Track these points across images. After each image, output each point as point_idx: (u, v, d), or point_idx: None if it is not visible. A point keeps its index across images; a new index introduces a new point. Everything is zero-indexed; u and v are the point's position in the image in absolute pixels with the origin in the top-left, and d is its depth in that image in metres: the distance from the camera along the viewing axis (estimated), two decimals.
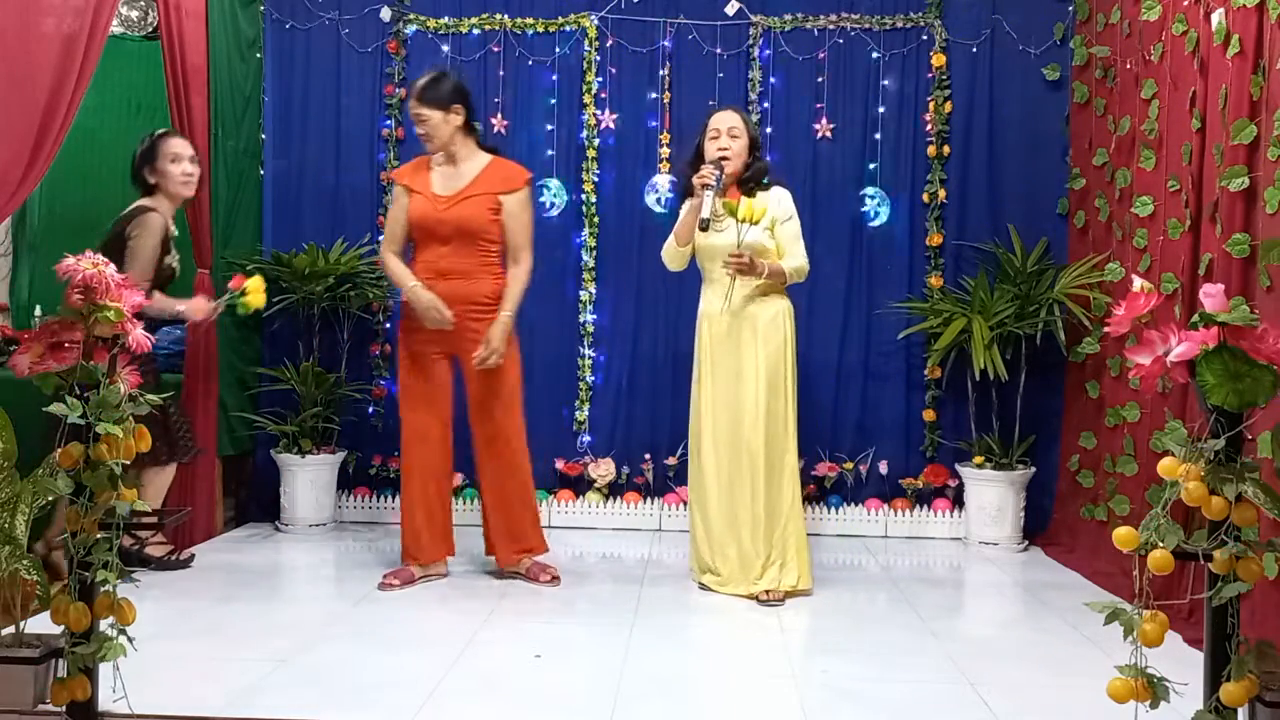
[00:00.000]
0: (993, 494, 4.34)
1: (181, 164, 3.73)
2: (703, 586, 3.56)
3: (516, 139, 4.75)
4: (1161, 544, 1.83)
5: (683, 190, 3.75)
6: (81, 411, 2.06)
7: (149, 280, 3.63)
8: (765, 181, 3.63)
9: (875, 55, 4.67)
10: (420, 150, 3.67)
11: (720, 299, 3.56)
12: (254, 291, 3.65)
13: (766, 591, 3.40)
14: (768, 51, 4.69)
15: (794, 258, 3.58)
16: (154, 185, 3.76)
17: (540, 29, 4.75)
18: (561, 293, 4.76)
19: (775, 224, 3.55)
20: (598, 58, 4.73)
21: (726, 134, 3.58)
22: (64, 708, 2.11)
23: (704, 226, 3.47)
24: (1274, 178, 2.80)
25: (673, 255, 3.69)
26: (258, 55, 4.68)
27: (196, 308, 3.81)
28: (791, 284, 3.64)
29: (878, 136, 4.67)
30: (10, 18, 2.80)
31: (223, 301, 3.76)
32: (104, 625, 2.15)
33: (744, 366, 3.53)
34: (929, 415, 4.63)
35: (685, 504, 4.57)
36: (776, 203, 3.58)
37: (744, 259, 3.43)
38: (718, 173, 3.47)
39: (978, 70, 4.65)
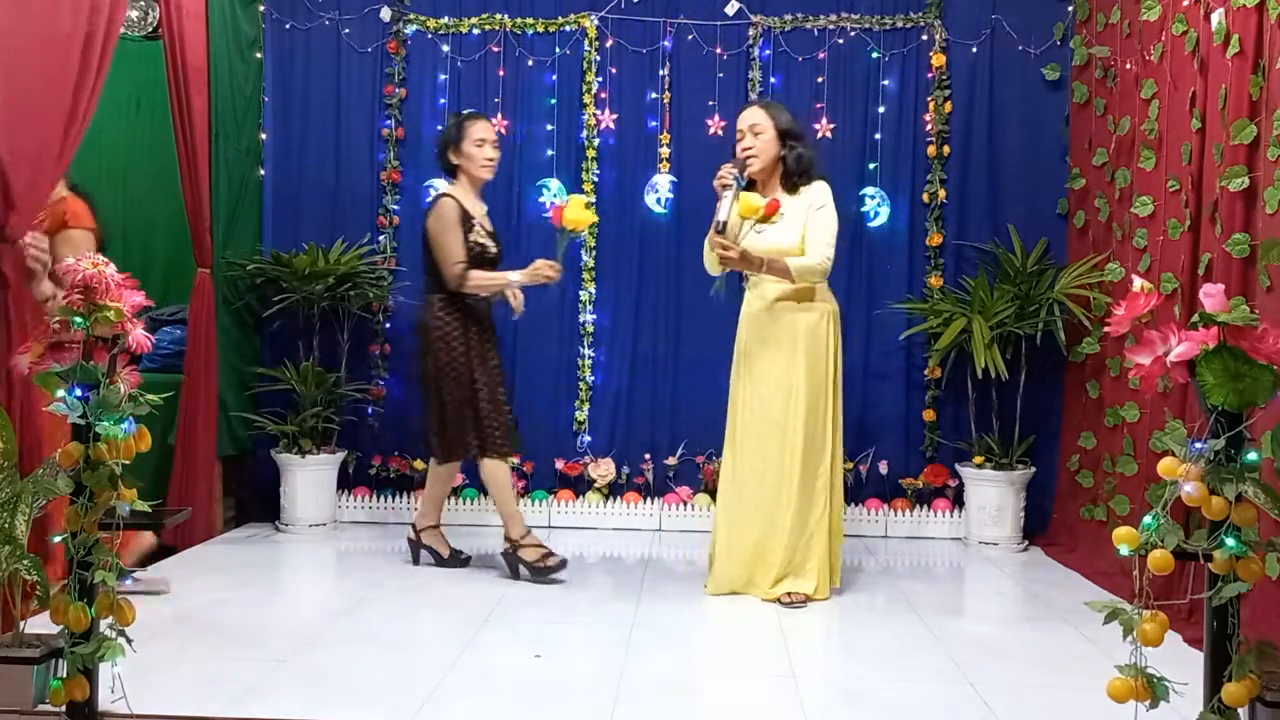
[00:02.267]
0: (993, 494, 4.34)
1: (485, 148, 3.74)
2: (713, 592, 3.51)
3: (516, 139, 4.76)
4: (1161, 544, 1.83)
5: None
6: (81, 411, 2.06)
7: (462, 263, 3.65)
8: (811, 175, 3.46)
9: (875, 55, 4.67)
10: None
11: (758, 300, 3.49)
12: (578, 219, 3.54)
13: (788, 594, 3.37)
14: (768, 51, 4.69)
15: (808, 256, 3.38)
16: (456, 168, 3.77)
17: (540, 29, 4.75)
18: (561, 293, 4.76)
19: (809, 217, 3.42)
20: (598, 58, 4.72)
21: (749, 132, 3.45)
22: (63, 708, 2.11)
23: (720, 230, 3.36)
24: (1274, 178, 2.80)
25: (709, 260, 3.54)
26: (258, 55, 4.68)
27: (536, 273, 3.67)
28: (808, 282, 3.46)
29: (878, 136, 4.67)
30: (31, 19, 2.84)
31: (562, 246, 3.63)
32: (103, 625, 2.15)
33: (783, 373, 3.42)
34: (929, 415, 4.63)
35: (685, 504, 4.61)
36: (813, 194, 3.44)
37: (730, 250, 3.31)
38: (735, 172, 3.38)
39: (978, 70, 4.65)
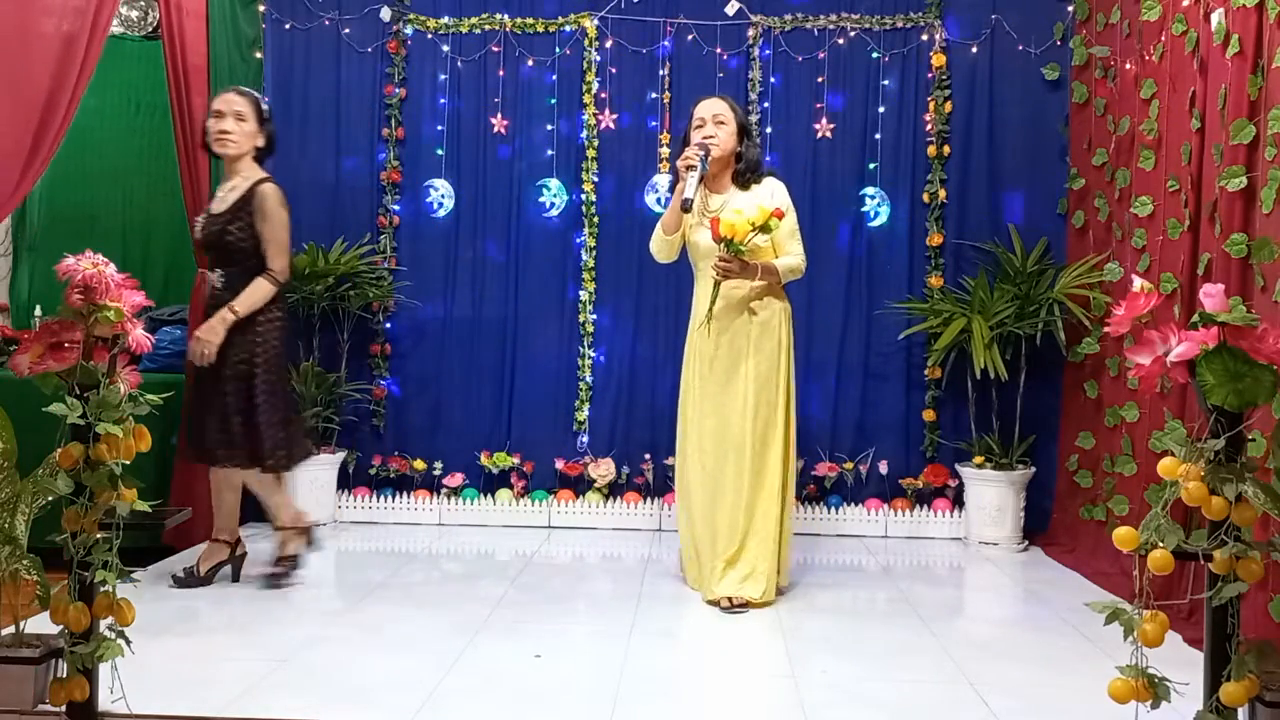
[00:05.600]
0: (993, 494, 4.34)
1: (211, 121, 3.50)
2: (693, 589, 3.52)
3: (516, 139, 4.76)
4: (1161, 544, 1.83)
5: (672, 183, 3.65)
6: (81, 411, 2.05)
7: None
8: (760, 173, 3.52)
9: (875, 55, 4.67)
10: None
11: (706, 296, 3.43)
12: (732, 224, 3.23)
13: (729, 598, 3.31)
14: (768, 51, 4.69)
15: (790, 255, 3.46)
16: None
17: (540, 29, 4.75)
18: (561, 293, 4.76)
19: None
20: (598, 58, 4.73)
21: (711, 121, 3.45)
22: (63, 708, 2.11)
23: (687, 208, 3.33)
24: (1267, 177, 2.80)
25: (660, 245, 3.56)
26: (258, 55, 4.68)
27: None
28: (787, 282, 3.54)
29: (878, 136, 4.67)
30: (9, 17, 2.81)
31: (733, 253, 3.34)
32: (103, 625, 2.15)
33: (736, 370, 3.41)
34: (929, 415, 4.63)
35: None
36: (770, 196, 3.44)
37: (732, 263, 3.31)
38: (702, 154, 3.36)
39: (978, 70, 4.65)
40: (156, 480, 4.00)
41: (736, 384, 3.42)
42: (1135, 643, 1.86)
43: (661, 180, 4.68)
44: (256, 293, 3.39)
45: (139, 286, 2.18)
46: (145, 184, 4.86)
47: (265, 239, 3.42)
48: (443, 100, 4.76)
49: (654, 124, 4.72)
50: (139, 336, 2.16)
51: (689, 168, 3.35)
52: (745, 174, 3.50)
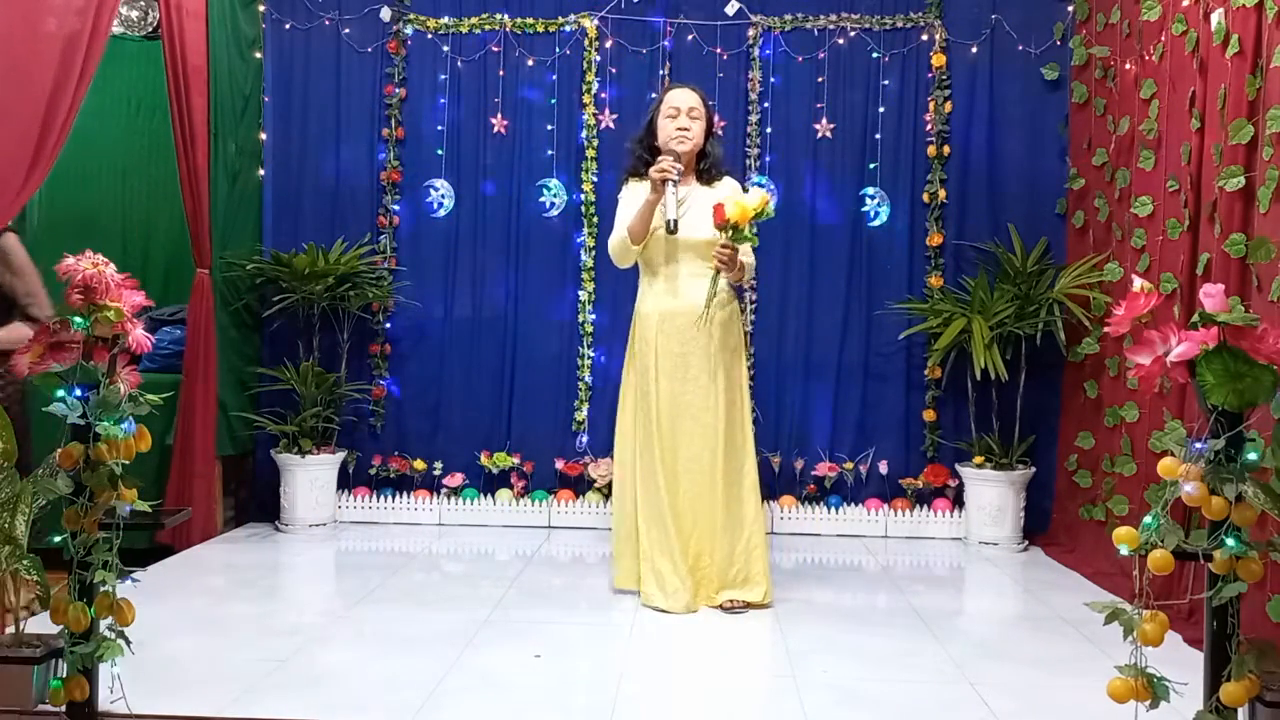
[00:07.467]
0: (993, 494, 4.34)
1: None
2: (655, 608, 3.29)
3: (516, 139, 4.76)
4: (1161, 544, 1.83)
5: (629, 170, 3.49)
6: (81, 411, 2.06)
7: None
8: (721, 170, 3.45)
9: (875, 55, 4.67)
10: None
11: (670, 295, 3.35)
12: (740, 207, 3.11)
13: (730, 600, 3.30)
14: (768, 51, 4.69)
15: (746, 254, 3.34)
16: None
17: (540, 29, 4.75)
18: (561, 293, 4.77)
19: None
20: (598, 58, 4.73)
21: (686, 114, 3.35)
22: (63, 708, 2.11)
23: (672, 230, 3.19)
24: (1265, 177, 2.80)
25: (624, 253, 3.39)
26: (258, 55, 4.68)
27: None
28: (739, 283, 3.43)
29: (878, 136, 4.67)
30: (11, 18, 2.81)
31: (748, 240, 3.24)
32: (103, 625, 2.15)
33: (701, 369, 3.31)
34: (929, 415, 4.63)
35: None
36: (733, 193, 3.35)
37: (732, 249, 3.19)
38: (679, 165, 3.24)
39: (978, 70, 4.65)
40: (155, 480, 4.01)
41: (704, 385, 3.32)
42: (1135, 643, 1.86)
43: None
44: (15, 333, 2.88)
45: (139, 286, 2.18)
46: (145, 184, 4.86)
47: (23, 294, 2.96)
48: (443, 100, 4.76)
49: None
50: (139, 336, 2.16)
51: (666, 180, 3.19)
52: (711, 170, 3.45)
